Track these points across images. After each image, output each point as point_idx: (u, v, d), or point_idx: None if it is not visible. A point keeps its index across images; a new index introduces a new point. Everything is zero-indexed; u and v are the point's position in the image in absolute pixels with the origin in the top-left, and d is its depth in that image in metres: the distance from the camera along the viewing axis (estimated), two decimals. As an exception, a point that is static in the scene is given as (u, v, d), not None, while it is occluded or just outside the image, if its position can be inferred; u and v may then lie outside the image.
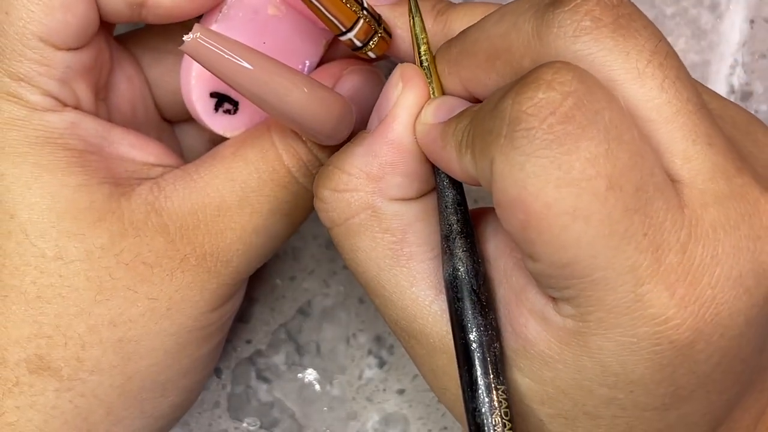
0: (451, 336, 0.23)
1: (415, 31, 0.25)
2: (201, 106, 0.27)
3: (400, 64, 0.25)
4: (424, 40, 0.25)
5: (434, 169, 0.25)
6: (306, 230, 0.35)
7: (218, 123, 0.27)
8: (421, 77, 0.25)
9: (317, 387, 0.35)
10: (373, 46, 0.25)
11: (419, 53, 0.25)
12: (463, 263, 0.23)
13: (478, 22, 0.24)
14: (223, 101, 0.27)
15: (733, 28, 0.34)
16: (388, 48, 0.26)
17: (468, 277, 0.23)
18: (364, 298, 0.35)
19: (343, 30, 0.24)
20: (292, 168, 0.26)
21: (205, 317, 0.26)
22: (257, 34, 0.26)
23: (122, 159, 0.27)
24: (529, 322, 0.22)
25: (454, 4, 0.26)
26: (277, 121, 0.26)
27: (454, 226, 0.24)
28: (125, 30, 0.31)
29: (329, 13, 0.24)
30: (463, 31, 0.24)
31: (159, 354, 0.26)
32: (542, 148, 0.19)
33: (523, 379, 0.23)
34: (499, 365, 0.23)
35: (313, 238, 0.35)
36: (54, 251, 0.24)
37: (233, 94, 0.27)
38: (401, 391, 0.35)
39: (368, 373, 0.35)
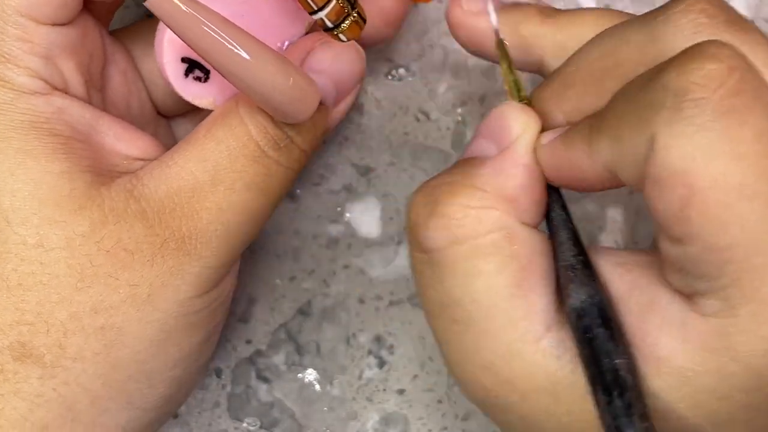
0: (560, 374, 0.23)
1: (510, 77, 0.26)
2: (171, 69, 0.27)
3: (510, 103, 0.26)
4: (518, 85, 0.27)
5: (549, 201, 0.25)
6: (306, 230, 0.35)
7: (188, 89, 0.27)
8: (533, 112, 0.25)
9: (317, 387, 0.35)
10: (344, 28, 0.25)
11: (518, 95, 0.26)
12: (594, 291, 0.23)
13: (569, 59, 0.24)
14: (194, 68, 0.27)
15: (733, 27, 0.34)
16: (360, 33, 0.26)
17: (601, 305, 0.22)
18: (364, 298, 0.35)
19: (315, 8, 0.24)
20: (261, 142, 0.26)
21: (189, 303, 0.26)
22: (236, 7, 0.26)
23: (107, 150, 0.27)
24: (660, 338, 0.22)
25: (562, 10, 0.27)
26: (243, 94, 0.26)
27: (579, 256, 0.23)
28: (119, 27, 0.31)
29: None
30: (555, 71, 0.25)
31: (143, 342, 0.25)
32: (713, 120, 0.19)
33: (656, 401, 0.22)
34: (641, 392, 0.22)
35: (313, 238, 0.35)
36: (35, 239, 0.24)
37: (205, 63, 0.27)
38: (401, 391, 0.35)
39: (368, 373, 0.35)
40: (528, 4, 0.27)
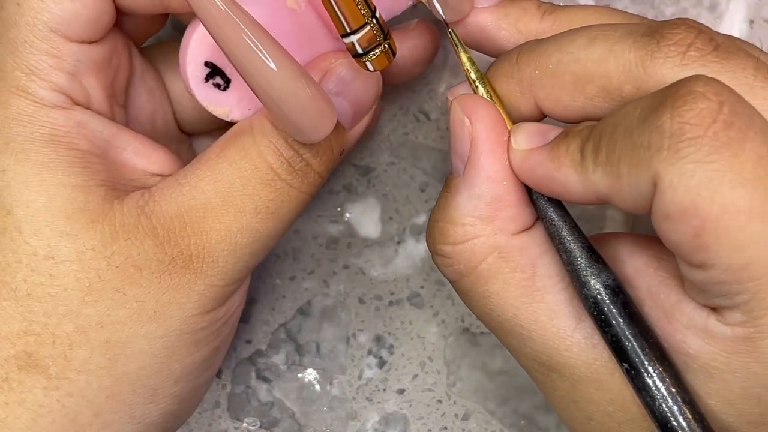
0: (599, 362, 0.24)
1: (465, 66, 0.26)
2: (192, 70, 0.26)
3: (452, 97, 0.26)
4: (478, 74, 0.26)
5: (533, 198, 0.25)
6: (306, 230, 0.35)
7: (203, 93, 0.27)
8: (485, 104, 0.25)
9: (317, 387, 0.35)
10: (373, 57, 0.25)
11: (474, 84, 0.26)
12: (607, 276, 0.23)
13: (557, 42, 0.24)
14: (215, 74, 0.27)
15: (733, 28, 0.34)
16: (388, 65, 0.26)
17: (615, 290, 0.23)
18: (364, 298, 0.35)
19: (348, 31, 0.24)
20: (274, 164, 0.26)
21: (193, 320, 0.26)
22: (269, 20, 0.25)
23: (124, 165, 0.27)
24: (687, 337, 0.22)
25: (562, 6, 0.27)
26: (258, 115, 0.26)
27: (578, 245, 0.24)
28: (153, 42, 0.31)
29: (339, 9, 0.24)
30: (536, 51, 0.25)
31: (147, 357, 0.26)
32: (711, 154, 0.20)
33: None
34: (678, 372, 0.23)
35: (313, 238, 0.35)
36: (46, 250, 0.24)
37: (228, 71, 0.27)
38: (401, 391, 0.35)
39: (368, 373, 0.35)
40: (527, 0, 0.27)
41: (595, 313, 0.23)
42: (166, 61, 0.30)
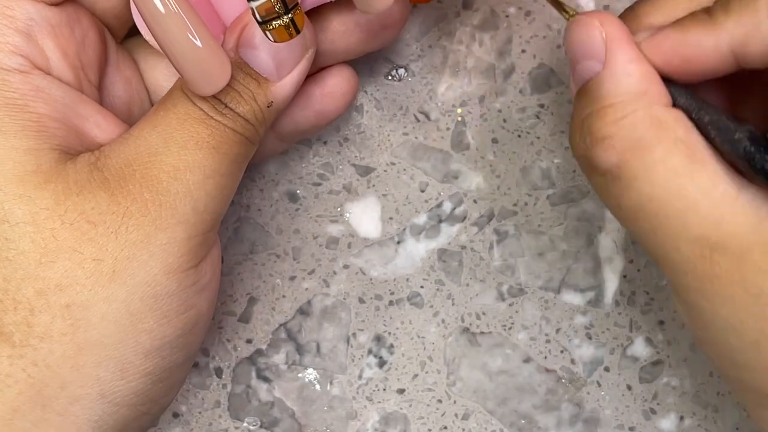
0: (766, 223, 0.24)
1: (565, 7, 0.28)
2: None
3: (577, 17, 0.27)
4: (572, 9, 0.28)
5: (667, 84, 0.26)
6: (306, 230, 0.35)
7: (145, 28, 0.28)
8: (606, 13, 0.27)
9: (317, 387, 0.35)
10: (271, 28, 0.25)
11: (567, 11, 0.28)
12: (752, 126, 0.24)
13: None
14: None
15: (733, 27, 0.34)
16: (289, 39, 0.26)
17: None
18: (364, 298, 0.35)
19: None
20: (203, 107, 0.26)
21: (156, 281, 0.26)
22: None
23: (84, 134, 0.27)
24: None
25: None
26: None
27: (717, 109, 0.25)
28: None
29: None
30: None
31: (110, 324, 0.25)
32: None
33: None
34: None
35: (313, 238, 0.35)
36: (0, 214, 0.24)
37: None
38: (401, 391, 0.35)
39: (368, 373, 0.35)
40: None
41: (759, 155, 0.24)
42: (143, 53, 0.30)
